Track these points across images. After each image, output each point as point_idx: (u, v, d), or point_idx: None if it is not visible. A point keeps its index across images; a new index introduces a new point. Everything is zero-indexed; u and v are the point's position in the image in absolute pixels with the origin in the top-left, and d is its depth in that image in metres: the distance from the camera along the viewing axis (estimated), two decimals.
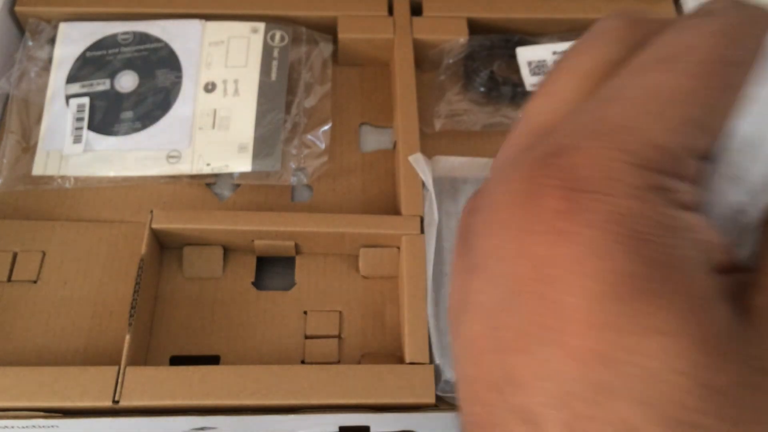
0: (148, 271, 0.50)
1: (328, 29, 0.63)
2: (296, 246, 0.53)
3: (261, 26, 0.61)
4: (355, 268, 0.54)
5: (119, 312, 0.50)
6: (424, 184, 0.53)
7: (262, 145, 0.56)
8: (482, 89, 0.60)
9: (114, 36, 0.61)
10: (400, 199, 0.54)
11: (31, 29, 0.61)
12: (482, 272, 0.17)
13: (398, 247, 0.52)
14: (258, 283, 0.53)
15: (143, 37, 0.61)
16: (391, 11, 0.64)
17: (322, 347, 0.50)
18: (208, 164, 0.55)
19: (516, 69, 0.62)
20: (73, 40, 0.61)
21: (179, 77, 0.59)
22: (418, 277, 0.49)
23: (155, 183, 0.56)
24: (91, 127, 0.57)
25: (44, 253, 0.53)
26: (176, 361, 0.50)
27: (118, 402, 0.43)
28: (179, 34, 0.61)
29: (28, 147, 0.57)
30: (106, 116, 0.57)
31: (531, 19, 0.64)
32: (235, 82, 0.59)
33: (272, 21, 0.62)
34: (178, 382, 0.44)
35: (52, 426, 0.45)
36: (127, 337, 0.46)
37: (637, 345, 0.13)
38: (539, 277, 0.15)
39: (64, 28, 0.61)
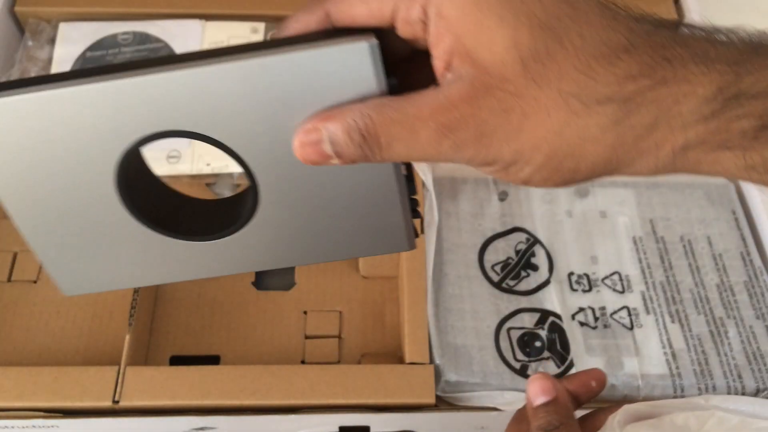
0: None
1: None
2: None
3: (261, 26, 0.61)
4: (355, 268, 0.54)
5: (119, 312, 0.50)
6: (424, 184, 0.53)
7: None
8: None
9: (114, 36, 0.61)
10: None
11: (31, 29, 0.61)
12: None
13: None
14: (258, 283, 0.53)
15: (143, 37, 0.61)
16: None
17: (322, 347, 0.50)
18: (208, 164, 0.55)
19: None
20: (73, 40, 0.61)
21: None
22: (418, 277, 0.49)
23: None
24: None
25: None
26: (176, 361, 0.50)
27: (118, 402, 0.43)
28: (179, 34, 0.61)
29: None
30: None
31: None
32: None
33: (272, 21, 0.62)
34: (178, 382, 0.44)
35: (52, 426, 0.45)
36: (127, 337, 0.46)
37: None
38: None
39: (64, 28, 0.61)
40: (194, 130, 0.24)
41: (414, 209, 0.28)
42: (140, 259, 0.28)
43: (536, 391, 0.31)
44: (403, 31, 0.22)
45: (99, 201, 0.26)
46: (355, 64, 0.22)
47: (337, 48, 0.22)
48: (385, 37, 0.22)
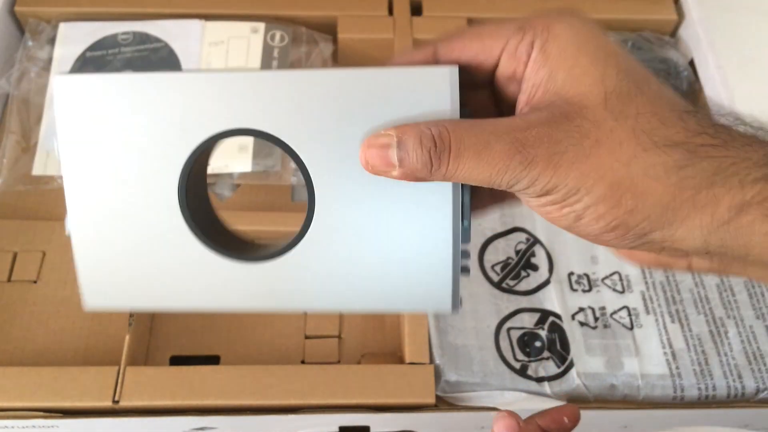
0: None
1: (328, 29, 0.63)
2: None
3: (261, 26, 0.61)
4: None
5: (119, 312, 0.50)
6: None
7: (262, 144, 0.56)
8: None
9: (114, 36, 0.61)
10: None
11: (31, 29, 0.61)
12: None
13: None
14: None
15: (143, 37, 0.61)
16: (391, 11, 0.64)
17: (322, 347, 0.50)
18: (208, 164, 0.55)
19: None
20: (73, 40, 0.61)
21: None
22: None
23: None
24: None
25: (44, 253, 0.53)
26: (176, 361, 0.50)
27: (118, 402, 0.44)
28: (179, 34, 0.61)
29: (28, 147, 0.57)
30: None
31: None
32: None
33: (272, 21, 0.62)
34: (178, 382, 0.44)
35: (52, 426, 0.45)
36: (127, 337, 0.46)
37: None
38: None
39: (64, 28, 0.61)
40: (266, 130, 0.25)
41: (464, 265, 0.26)
42: (179, 275, 0.27)
43: (500, 428, 0.32)
44: (505, 66, 0.25)
45: (158, 202, 0.26)
46: (435, 88, 0.24)
47: (420, 71, 0.24)
48: (464, 78, 0.25)
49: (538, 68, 0.24)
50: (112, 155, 0.26)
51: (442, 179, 0.24)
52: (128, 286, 0.27)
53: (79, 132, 0.26)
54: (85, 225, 0.26)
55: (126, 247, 0.26)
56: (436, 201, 0.25)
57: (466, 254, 0.26)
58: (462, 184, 0.25)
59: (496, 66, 0.25)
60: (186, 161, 0.26)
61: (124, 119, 0.25)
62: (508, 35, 0.24)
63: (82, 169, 0.26)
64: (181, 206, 0.26)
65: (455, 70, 0.24)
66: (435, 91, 0.24)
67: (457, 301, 0.26)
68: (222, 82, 0.25)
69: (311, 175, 0.25)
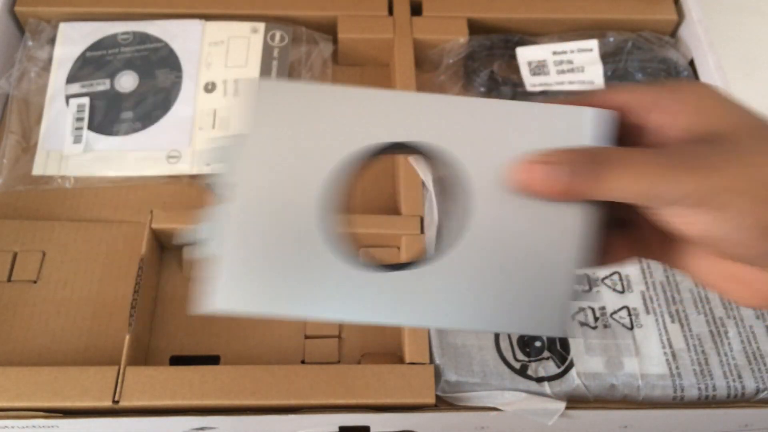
0: (148, 271, 0.50)
1: (328, 29, 0.63)
2: None
3: (261, 26, 0.61)
4: None
5: (119, 312, 0.50)
6: (424, 184, 0.53)
7: None
8: (482, 89, 0.60)
9: (114, 36, 0.61)
10: (400, 199, 0.54)
11: (31, 29, 0.61)
12: None
13: (398, 247, 0.52)
14: None
15: (143, 37, 0.61)
16: (391, 11, 0.64)
17: (322, 347, 0.50)
18: (208, 164, 0.55)
19: (516, 69, 0.62)
20: (73, 40, 0.61)
21: (179, 77, 0.59)
22: None
23: (155, 183, 0.56)
24: (91, 127, 0.57)
25: (44, 253, 0.53)
26: (176, 361, 0.50)
27: (118, 402, 0.44)
28: (179, 34, 0.61)
29: (28, 147, 0.57)
30: (106, 116, 0.57)
31: (531, 19, 0.64)
32: (235, 82, 0.59)
33: (272, 21, 0.62)
34: (178, 382, 0.44)
35: (52, 426, 0.45)
36: (127, 337, 0.46)
37: None
38: None
39: (64, 28, 0.61)
40: (434, 144, 0.27)
41: (580, 289, 0.28)
42: (313, 283, 0.27)
43: None
44: (657, 117, 0.27)
45: (315, 206, 0.27)
46: (599, 126, 0.26)
47: (586, 110, 0.27)
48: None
49: (685, 118, 0.26)
50: (293, 161, 0.27)
51: (593, 192, 0.25)
52: (265, 290, 0.27)
53: (269, 135, 0.27)
54: (248, 222, 0.27)
55: (275, 250, 0.27)
56: (570, 224, 0.27)
57: (581, 279, 0.27)
58: (596, 211, 0.27)
59: (641, 114, 0.27)
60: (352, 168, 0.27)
61: (314, 127, 0.27)
62: (658, 90, 0.27)
63: (260, 171, 0.27)
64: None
65: (616, 114, 0.27)
66: (600, 129, 0.26)
67: (570, 325, 0.28)
68: (397, 101, 0.27)
69: (475, 193, 0.27)
